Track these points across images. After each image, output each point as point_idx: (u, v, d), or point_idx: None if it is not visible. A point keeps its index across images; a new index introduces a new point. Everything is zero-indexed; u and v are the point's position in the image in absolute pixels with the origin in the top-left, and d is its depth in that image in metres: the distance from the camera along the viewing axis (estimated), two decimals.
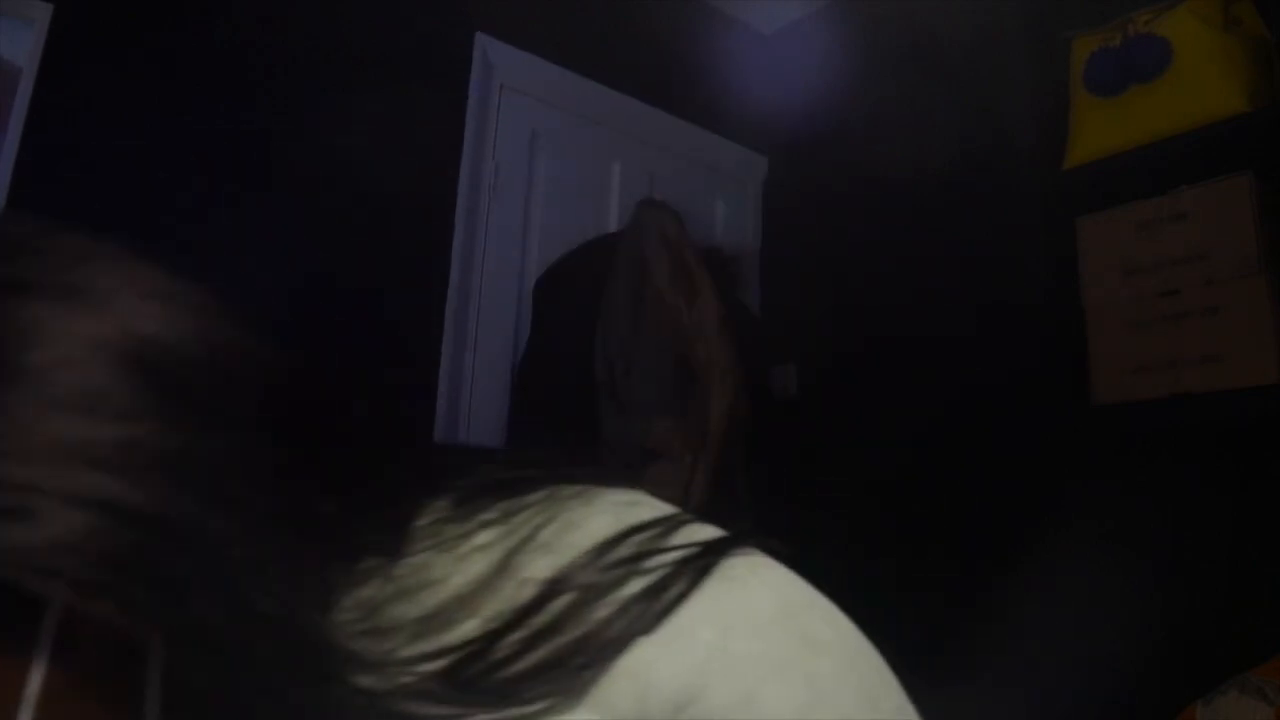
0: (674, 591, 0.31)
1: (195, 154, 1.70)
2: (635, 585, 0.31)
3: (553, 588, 0.31)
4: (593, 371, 1.98)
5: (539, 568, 0.31)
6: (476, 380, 2.01)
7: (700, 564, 0.32)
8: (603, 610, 0.30)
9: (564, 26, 2.28)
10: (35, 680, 0.23)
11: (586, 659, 0.29)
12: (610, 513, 0.34)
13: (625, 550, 0.32)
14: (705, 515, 0.36)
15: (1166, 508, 1.68)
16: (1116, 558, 1.69)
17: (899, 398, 2.19)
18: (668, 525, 0.34)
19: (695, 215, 2.31)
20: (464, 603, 0.31)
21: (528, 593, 0.31)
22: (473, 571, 0.32)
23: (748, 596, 0.32)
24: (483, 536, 0.33)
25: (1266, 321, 1.52)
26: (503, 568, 0.32)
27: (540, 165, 2.24)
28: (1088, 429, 1.79)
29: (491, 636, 0.29)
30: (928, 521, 2.05)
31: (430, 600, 0.31)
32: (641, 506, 0.35)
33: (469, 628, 0.30)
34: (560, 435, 2.00)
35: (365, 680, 0.28)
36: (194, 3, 1.75)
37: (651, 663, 0.30)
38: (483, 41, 2.13)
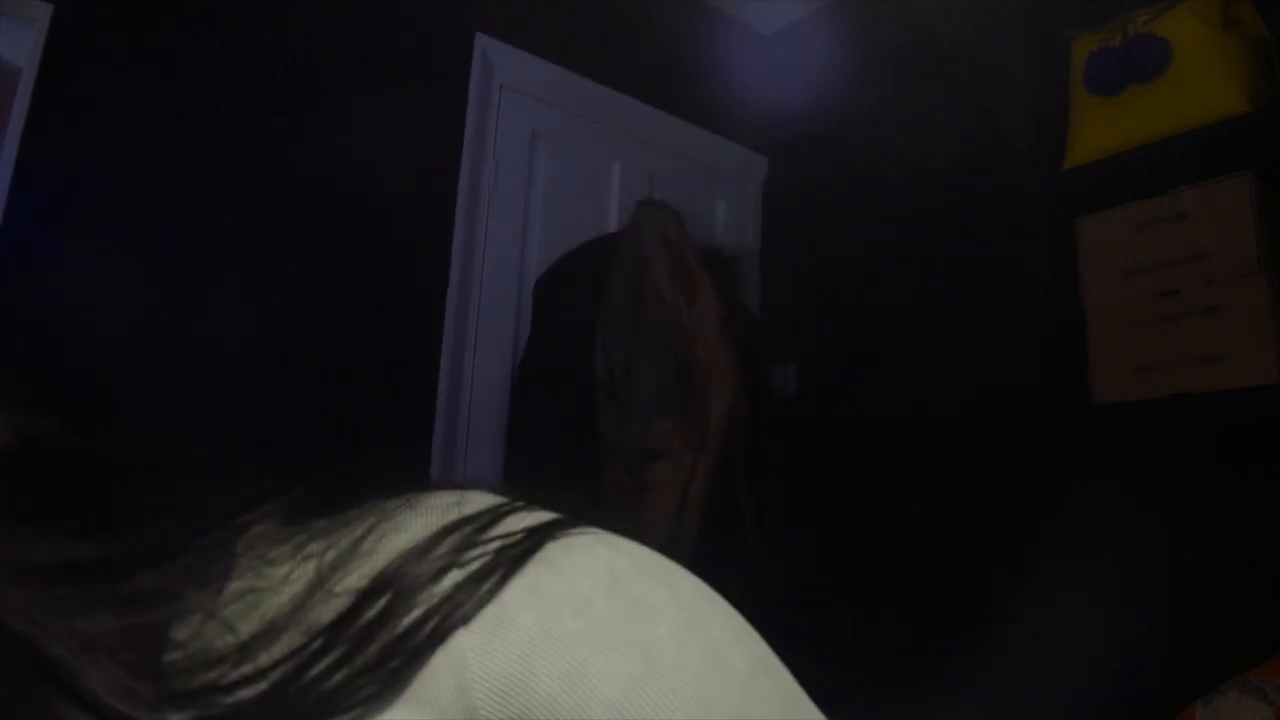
0: (491, 581, 0.30)
1: (195, 154, 1.70)
2: (451, 579, 0.30)
3: (367, 593, 0.30)
4: (593, 371, 1.98)
5: (356, 576, 0.31)
6: (476, 380, 2.01)
7: (518, 550, 0.31)
8: (418, 607, 0.30)
9: (564, 26, 2.28)
10: None
11: (402, 658, 0.29)
12: (432, 513, 0.34)
13: (443, 547, 0.32)
14: (547, 503, 0.35)
15: (1166, 508, 1.68)
16: (1116, 558, 1.69)
17: (899, 398, 2.19)
18: (489, 517, 0.33)
19: (695, 215, 2.31)
20: (283, 622, 0.30)
21: (343, 602, 0.30)
22: (291, 591, 0.32)
23: (568, 576, 0.31)
24: (308, 552, 0.33)
25: (1266, 321, 1.52)
26: (321, 581, 0.31)
27: (540, 165, 2.24)
28: (1088, 429, 1.79)
29: (307, 651, 0.29)
30: (928, 521, 2.05)
31: (250, 626, 0.31)
32: (467, 504, 0.34)
33: (287, 645, 0.30)
34: (560, 435, 2.00)
35: (184, 715, 0.28)
36: (194, 3, 1.75)
37: (471, 653, 0.29)
38: (483, 41, 2.13)
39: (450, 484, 0.36)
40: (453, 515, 0.33)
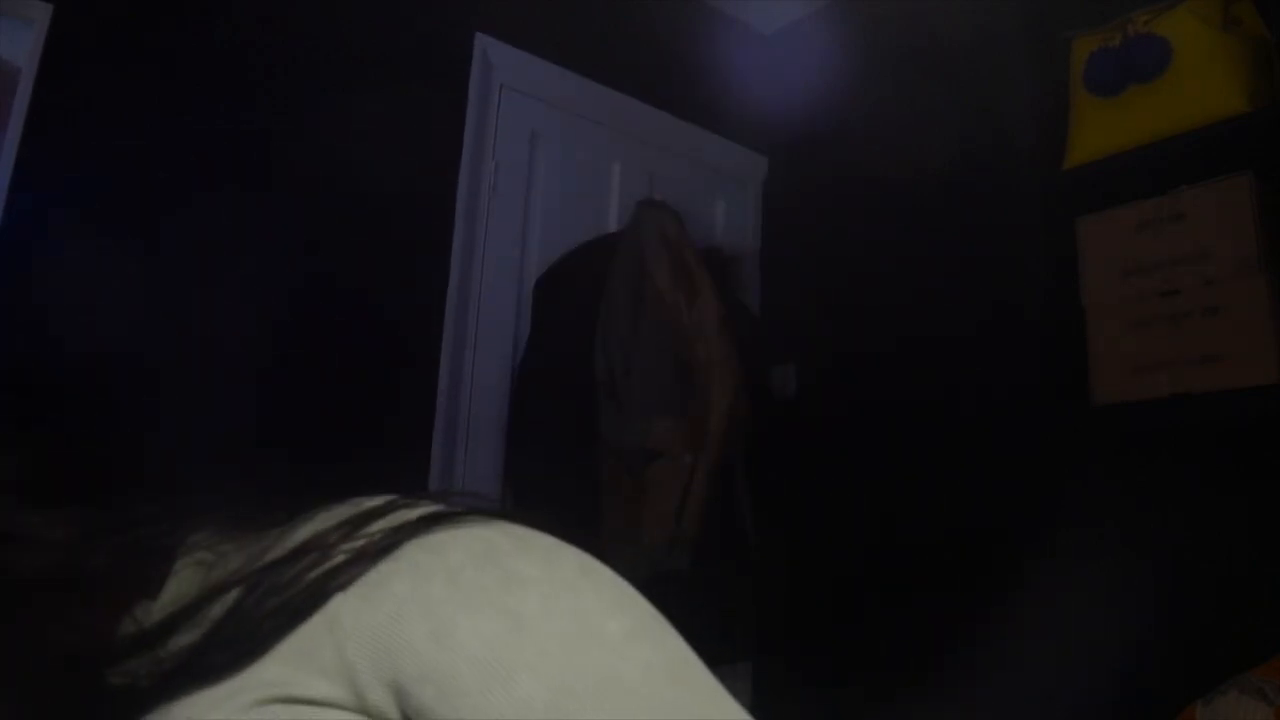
0: (370, 555, 0.34)
1: (195, 154, 1.70)
2: (338, 554, 0.34)
3: (265, 568, 0.35)
4: (593, 371, 1.98)
5: (256, 565, 0.36)
6: (476, 380, 2.01)
7: (401, 534, 0.34)
8: (306, 575, 0.33)
9: (564, 26, 2.28)
10: None
11: (285, 616, 0.33)
12: (343, 509, 0.37)
13: (337, 532, 0.35)
14: (438, 498, 0.39)
15: (1166, 508, 1.68)
16: (1116, 558, 1.69)
17: (899, 398, 2.19)
18: (385, 509, 0.37)
19: (695, 215, 2.31)
20: (184, 613, 0.35)
21: (236, 593, 0.35)
22: (218, 573, 0.37)
23: (443, 551, 0.34)
24: (240, 544, 0.38)
25: (1266, 321, 1.52)
26: (247, 563, 0.36)
27: (540, 165, 2.24)
28: (1088, 429, 1.79)
29: (219, 615, 0.34)
30: (928, 521, 2.05)
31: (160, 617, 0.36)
32: (370, 504, 0.38)
33: (188, 636, 0.34)
34: (560, 435, 2.00)
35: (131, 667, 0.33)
36: (194, 3, 1.75)
37: (346, 615, 0.32)
38: (483, 41, 2.13)
39: (373, 495, 0.40)
40: (348, 513, 0.36)
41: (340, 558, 0.34)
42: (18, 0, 1.54)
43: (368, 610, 0.32)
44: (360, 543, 0.34)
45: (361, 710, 0.31)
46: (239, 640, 0.32)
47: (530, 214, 2.20)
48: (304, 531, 0.36)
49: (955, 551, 1.99)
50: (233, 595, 0.34)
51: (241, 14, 1.79)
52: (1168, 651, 1.57)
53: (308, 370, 1.77)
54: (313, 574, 0.33)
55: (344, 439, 1.79)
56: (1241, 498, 1.60)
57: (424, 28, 2.04)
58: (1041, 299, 1.85)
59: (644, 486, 1.90)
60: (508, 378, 2.06)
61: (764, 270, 2.62)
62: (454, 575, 0.33)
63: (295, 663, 0.32)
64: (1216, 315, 1.57)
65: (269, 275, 1.75)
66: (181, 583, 0.37)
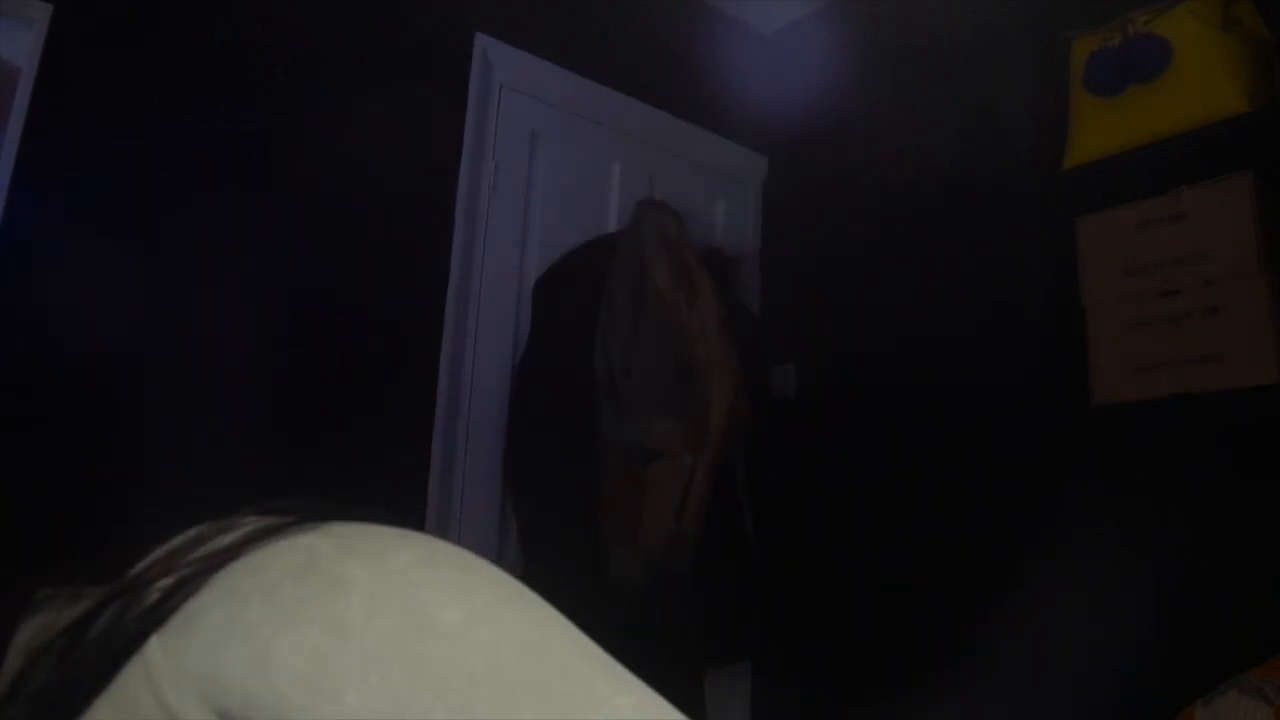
0: (184, 588, 0.32)
1: (195, 154, 1.70)
2: (150, 598, 0.32)
3: (84, 617, 0.33)
4: (593, 371, 1.98)
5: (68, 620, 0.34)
6: (476, 380, 2.01)
7: (219, 559, 0.32)
8: (116, 625, 0.31)
9: (564, 26, 2.28)
10: None
11: (100, 665, 0.30)
12: (158, 549, 0.36)
13: (155, 569, 0.33)
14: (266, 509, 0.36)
15: (1166, 508, 1.68)
16: (1116, 558, 1.69)
17: (899, 398, 2.19)
18: (198, 539, 0.34)
19: (695, 215, 2.31)
20: (11, 693, 0.33)
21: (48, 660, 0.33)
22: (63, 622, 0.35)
23: (260, 569, 0.32)
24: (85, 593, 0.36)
25: (1266, 321, 1.52)
26: (46, 640, 0.34)
27: (540, 165, 2.24)
28: (1088, 429, 1.79)
29: (44, 668, 0.32)
30: (928, 521, 2.05)
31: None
32: (189, 533, 0.36)
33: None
34: (560, 435, 2.00)
35: None
36: (194, 3, 1.75)
37: (160, 658, 0.30)
38: (483, 41, 2.13)
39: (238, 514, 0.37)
40: (172, 543, 0.34)
41: (154, 597, 0.31)
42: (18, 0, 1.54)
43: (182, 649, 0.30)
44: (171, 579, 0.32)
45: None
46: (55, 714, 0.30)
47: (530, 214, 2.20)
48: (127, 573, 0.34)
49: (955, 551, 1.99)
50: (47, 662, 0.32)
51: (241, 14, 1.79)
52: (1168, 651, 1.57)
53: (307, 370, 1.77)
54: (122, 620, 0.31)
55: (344, 439, 1.79)
56: (1241, 498, 1.60)
57: (424, 28, 2.04)
58: (1041, 299, 1.85)
59: (644, 486, 1.90)
60: (508, 378, 2.06)
61: (764, 270, 2.62)
62: (270, 593, 0.30)
63: (116, 712, 0.30)
64: (1216, 315, 1.57)
65: (269, 275, 1.75)
66: (16, 653, 0.35)
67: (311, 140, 1.83)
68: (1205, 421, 1.62)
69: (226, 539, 0.33)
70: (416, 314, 1.96)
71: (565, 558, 1.91)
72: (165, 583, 0.32)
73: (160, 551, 0.34)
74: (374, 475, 1.80)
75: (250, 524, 0.34)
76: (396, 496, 1.85)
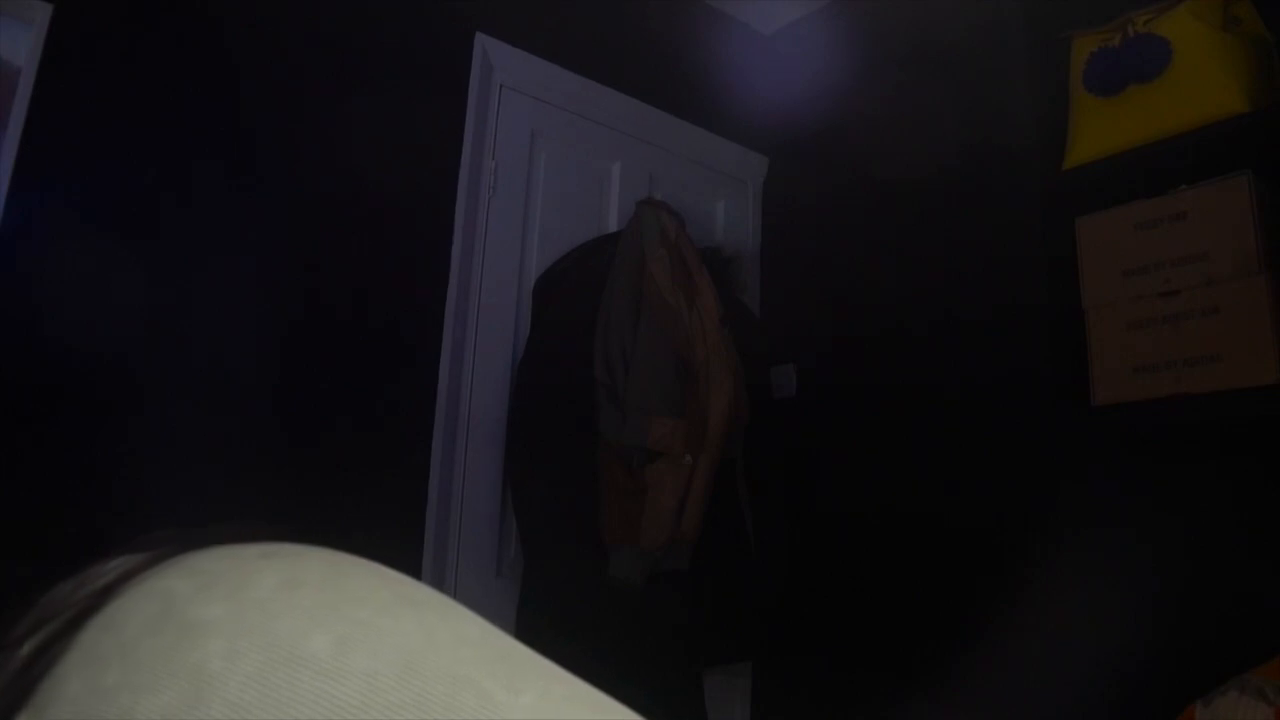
0: (45, 657, 0.28)
1: (195, 154, 1.70)
2: (13, 665, 0.28)
3: None
4: (593, 371, 1.98)
5: None
6: (476, 380, 2.01)
7: (80, 612, 0.29)
8: None
9: (564, 26, 2.28)
10: None
11: None
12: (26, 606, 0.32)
13: (23, 625, 0.30)
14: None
15: (1166, 508, 1.68)
16: (1116, 558, 1.69)
17: (899, 398, 2.19)
18: (59, 595, 0.31)
19: (695, 215, 2.31)
20: None
21: None
22: None
23: (118, 627, 0.29)
24: None
25: (1266, 321, 1.52)
26: None
27: (540, 165, 2.24)
28: (1088, 429, 1.79)
29: None
30: (927, 521, 2.05)
31: None
32: (47, 593, 0.32)
33: None
34: (560, 435, 2.00)
35: None
36: (194, 3, 1.75)
37: None
38: (483, 41, 2.13)
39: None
40: (67, 582, 0.31)
41: (15, 666, 0.28)
42: (18, 0, 1.54)
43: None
44: (37, 639, 0.29)
45: None
46: None
47: (530, 214, 2.20)
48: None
49: (955, 551, 1.99)
50: None
51: (241, 14, 1.79)
52: (1168, 651, 1.57)
53: (308, 370, 1.77)
54: None
55: (344, 439, 1.79)
56: (1241, 498, 1.60)
57: (424, 28, 2.04)
58: (1041, 299, 1.85)
59: (644, 486, 1.90)
60: (508, 378, 2.06)
61: (764, 270, 2.62)
62: (128, 652, 0.27)
63: None
64: (1216, 315, 1.57)
65: (269, 275, 1.75)
66: None
67: (312, 140, 1.83)
68: (1205, 421, 1.62)
69: (97, 583, 0.30)
70: (417, 314, 1.96)
71: (565, 558, 1.91)
72: (31, 644, 0.28)
73: (47, 597, 0.31)
74: (374, 475, 1.80)
75: (116, 566, 0.31)
76: (396, 497, 1.85)
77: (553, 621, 1.84)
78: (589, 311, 2.03)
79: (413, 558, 1.83)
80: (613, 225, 2.29)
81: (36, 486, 1.41)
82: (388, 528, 1.78)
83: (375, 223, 1.90)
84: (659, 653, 1.89)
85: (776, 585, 2.23)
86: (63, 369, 1.48)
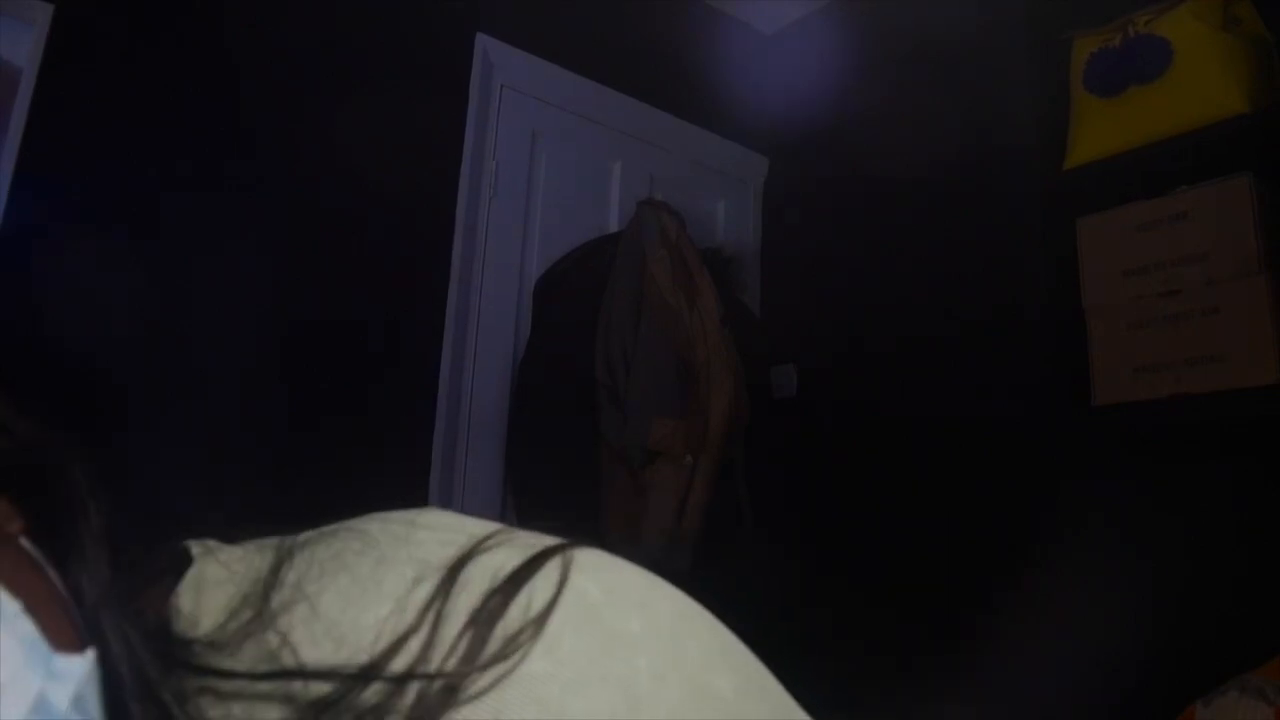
0: (477, 653, 0.29)
1: (195, 154, 1.70)
2: (438, 655, 0.28)
3: (354, 676, 0.29)
4: (593, 371, 1.98)
5: (308, 632, 0.30)
6: (476, 381, 2.01)
7: (493, 608, 0.29)
8: (410, 694, 0.28)
9: (564, 27, 2.28)
10: None
11: None
12: (389, 568, 0.32)
13: (426, 618, 0.30)
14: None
15: (1166, 508, 1.68)
16: (1116, 558, 1.69)
17: (899, 398, 2.19)
18: (458, 567, 0.31)
19: (695, 215, 2.31)
20: (243, 623, 0.30)
21: (316, 665, 0.29)
22: (246, 584, 0.32)
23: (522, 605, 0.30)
24: (263, 544, 0.33)
25: (1266, 321, 1.52)
26: (265, 595, 0.32)
27: (540, 165, 2.24)
28: (1088, 429, 1.79)
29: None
30: (927, 521, 2.05)
31: (212, 613, 0.31)
32: (422, 545, 0.33)
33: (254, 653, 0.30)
34: (560, 435, 2.00)
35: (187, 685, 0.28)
36: (194, 3, 1.75)
37: None
38: (483, 42, 2.13)
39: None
40: (411, 570, 0.30)
41: (438, 659, 0.28)
42: (18, 1, 1.54)
43: (470, 715, 0.27)
44: (450, 633, 0.28)
45: None
46: None
47: (530, 214, 2.20)
48: (350, 605, 0.29)
49: (955, 551, 1.99)
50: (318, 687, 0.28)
51: (242, 14, 1.79)
52: (1168, 651, 1.57)
53: (308, 369, 1.77)
54: (422, 692, 0.27)
55: (344, 438, 1.79)
56: (1241, 498, 1.60)
57: (425, 28, 2.04)
58: (1041, 299, 1.85)
59: (644, 487, 1.90)
60: (508, 378, 2.06)
61: (764, 270, 2.62)
62: (553, 646, 0.28)
63: None
64: (1216, 315, 1.57)
65: (269, 275, 1.75)
66: (204, 591, 0.31)
67: (312, 140, 1.83)
68: (1205, 421, 1.62)
69: (489, 568, 0.30)
70: (417, 314, 1.96)
71: None
72: (445, 645, 0.28)
73: (404, 558, 0.31)
74: (374, 475, 1.80)
75: (495, 553, 0.31)
76: (397, 497, 1.85)
77: None
78: (590, 312, 2.03)
79: None
80: (613, 226, 2.29)
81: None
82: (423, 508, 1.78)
83: (376, 223, 1.90)
84: None
85: (777, 585, 2.23)
86: (62, 369, 1.48)
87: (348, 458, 1.77)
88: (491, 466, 2.00)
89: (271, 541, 0.33)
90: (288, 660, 0.28)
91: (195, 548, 0.34)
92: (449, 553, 0.32)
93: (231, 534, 0.35)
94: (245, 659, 0.29)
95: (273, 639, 0.29)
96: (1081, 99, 1.77)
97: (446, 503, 1.91)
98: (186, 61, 1.71)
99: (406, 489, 1.87)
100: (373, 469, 1.80)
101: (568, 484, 1.95)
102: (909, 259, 2.24)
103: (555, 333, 2.06)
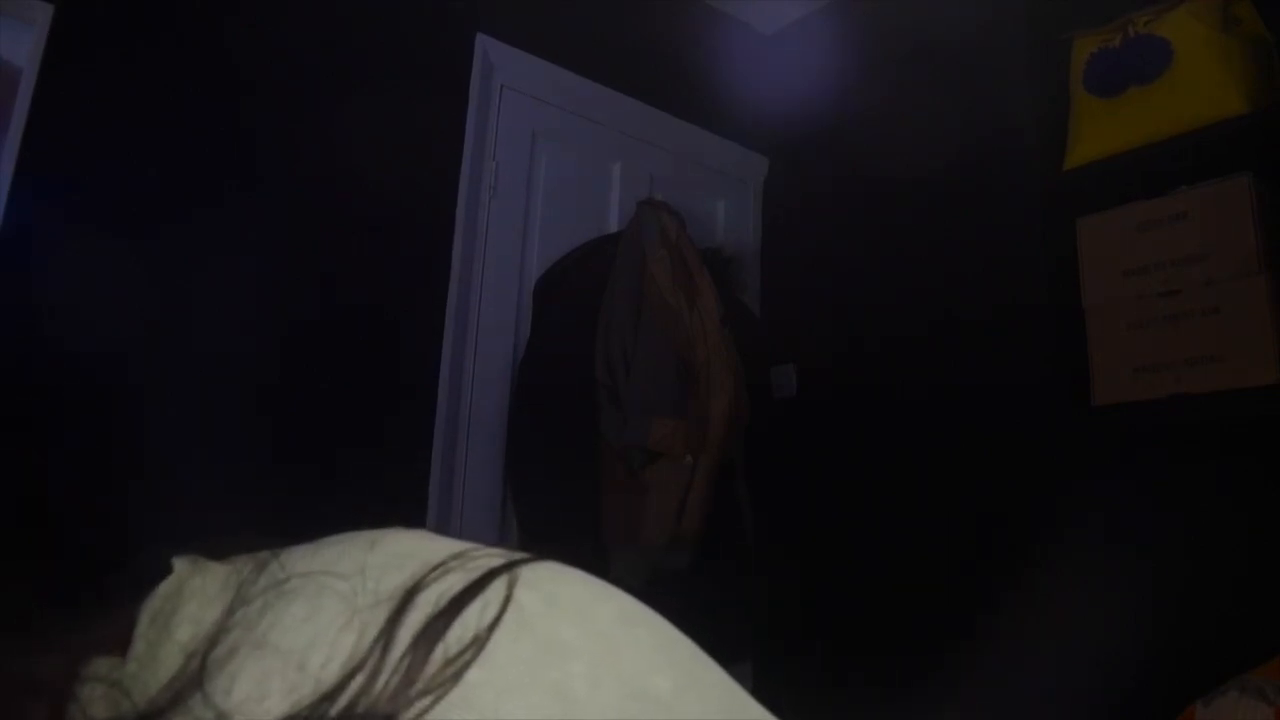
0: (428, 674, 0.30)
1: (195, 154, 1.70)
2: (385, 677, 0.29)
3: (315, 701, 0.29)
4: (593, 371, 1.98)
5: (258, 662, 0.30)
6: (476, 381, 2.01)
7: (439, 628, 0.30)
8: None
9: (564, 27, 2.29)
10: None
11: None
12: (330, 597, 0.33)
13: (373, 645, 0.30)
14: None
15: (1166, 508, 1.68)
16: (1116, 558, 1.69)
17: (899, 398, 2.19)
18: (412, 591, 0.32)
19: (695, 215, 2.31)
20: (201, 650, 0.30)
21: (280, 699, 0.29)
22: (213, 613, 0.31)
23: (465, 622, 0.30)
24: (209, 607, 0.32)
25: (1266, 321, 1.52)
26: (227, 623, 0.31)
27: (540, 165, 2.24)
28: (1088, 429, 1.79)
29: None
30: (928, 521, 2.05)
31: (183, 631, 0.31)
32: (377, 569, 0.33)
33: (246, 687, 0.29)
34: (560, 435, 2.00)
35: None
36: (194, 3, 1.75)
37: None
38: (483, 42, 2.13)
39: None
40: (363, 599, 0.31)
41: (389, 680, 0.28)
42: (18, 0, 1.54)
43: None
44: (396, 654, 0.29)
45: None
46: None
47: (530, 214, 2.20)
48: (295, 631, 0.30)
49: (955, 551, 1.99)
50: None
51: (242, 15, 1.79)
52: (1168, 651, 1.57)
53: (308, 370, 1.77)
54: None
55: (344, 439, 1.79)
56: (1241, 498, 1.60)
57: (425, 28, 2.04)
58: (1041, 299, 1.85)
59: (644, 487, 1.90)
60: (508, 378, 2.06)
61: (764, 270, 2.62)
62: (489, 655, 0.28)
63: None
64: (1216, 315, 1.57)
65: (269, 275, 1.75)
66: (168, 629, 0.31)
67: (313, 140, 1.83)
68: (1205, 421, 1.62)
69: (442, 590, 0.31)
70: (417, 314, 1.96)
71: (565, 558, 1.91)
72: (395, 668, 0.28)
73: (363, 583, 0.31)
74: (375, 475, 1.80)
75: (448, 578, 0.32)
76: (397, 496, 1.85)
77: None
78: (590, 312, 2.03)
79: None
80: (613, 226, 2.29)
81: (35, 486, 1.41)
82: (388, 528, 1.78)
83: (376, 223, 1.90)
84: None
85: (776, 585, 2.23)
86: (62, 369, 1.48)
87: (347, 457, 1.77)
88: (491, 466, 2.00)
89: (250, 559, 0.33)
90: None
91: (177, 565, 0.34)
92: (401, 579, 0.32)
93: (225, 542, 0.34)
94: None
95: (209, 713, 0.29)
96: (1081, 99, 1.77)
97: (446, 503, 1.91)
98: (186, 61, 1.71)
99: (406, 489, 1.87)
100: (372, 469, 1.80)
101: (567, 484, 1.95)
102: (909, 259, 2.24)
103: (555, 333, 2.06)
